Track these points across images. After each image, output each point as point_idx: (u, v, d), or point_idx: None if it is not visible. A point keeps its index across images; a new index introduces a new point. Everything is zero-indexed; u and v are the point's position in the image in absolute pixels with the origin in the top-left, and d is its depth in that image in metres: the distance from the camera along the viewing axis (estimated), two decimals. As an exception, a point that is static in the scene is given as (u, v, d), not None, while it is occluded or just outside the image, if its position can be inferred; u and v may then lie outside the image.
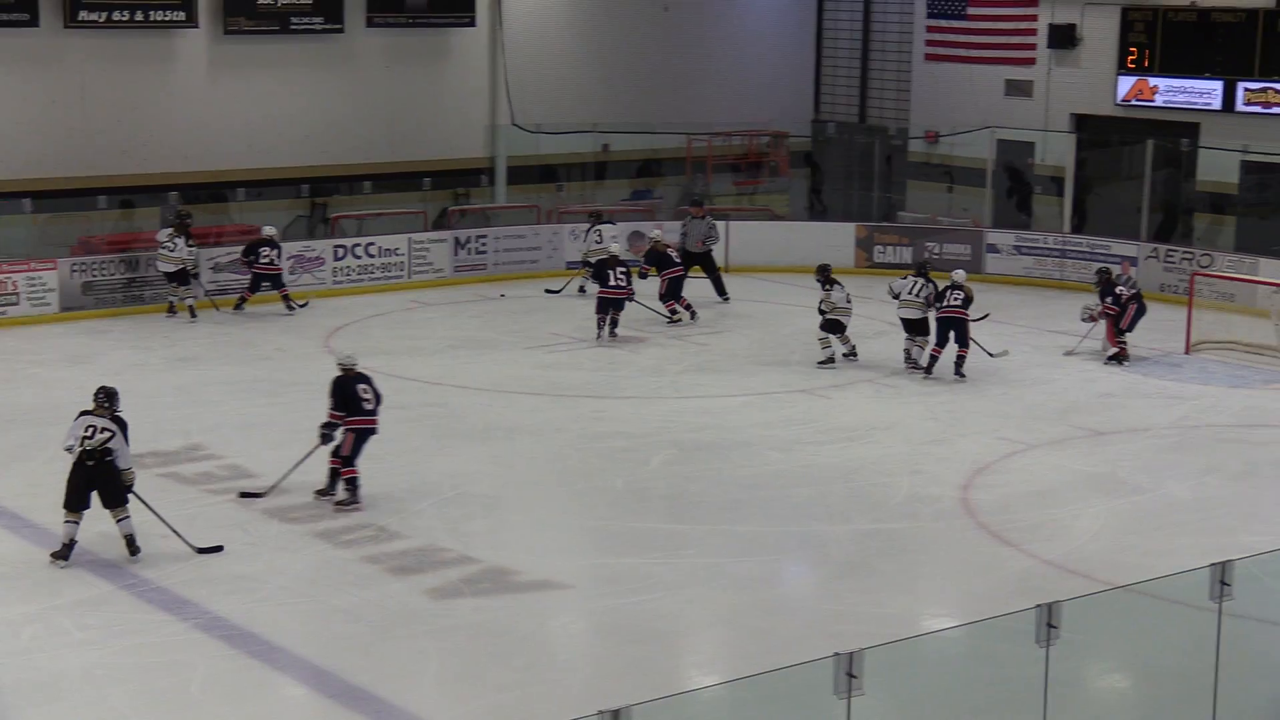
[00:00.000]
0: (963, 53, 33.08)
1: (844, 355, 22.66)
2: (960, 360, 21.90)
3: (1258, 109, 28.54)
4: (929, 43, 33.78)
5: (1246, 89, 28.67)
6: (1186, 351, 23.38)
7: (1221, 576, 8.96)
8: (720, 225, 28.83)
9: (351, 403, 16.20)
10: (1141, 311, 22.91)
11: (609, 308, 24.07)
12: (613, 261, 24.32)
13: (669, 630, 13.67)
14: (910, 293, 22.29)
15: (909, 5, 34.31)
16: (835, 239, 30.02)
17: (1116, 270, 23.48)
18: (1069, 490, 17.29)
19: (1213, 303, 24.38)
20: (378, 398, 16.42)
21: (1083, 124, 31.42)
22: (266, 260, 25.22)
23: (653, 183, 33.31)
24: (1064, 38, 31.15)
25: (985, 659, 10.37)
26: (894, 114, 34.92)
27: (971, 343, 21.91)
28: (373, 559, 14.89)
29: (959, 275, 22.45)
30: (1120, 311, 22.78)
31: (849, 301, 22.56)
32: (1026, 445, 18.83)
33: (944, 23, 33.43)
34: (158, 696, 12.22)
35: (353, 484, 16.28)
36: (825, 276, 22.67)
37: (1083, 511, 16.56)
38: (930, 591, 14.86)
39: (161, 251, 24.72)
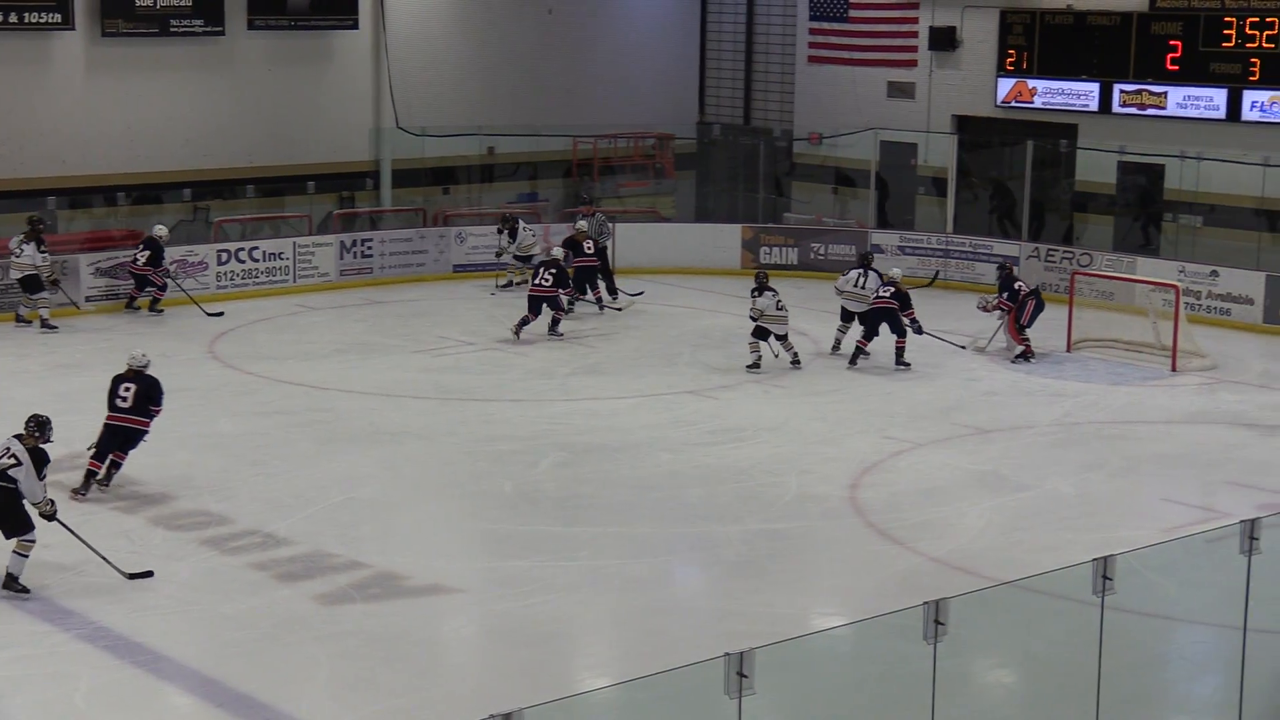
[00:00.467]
0: (845, 55, 33.34)
1: (790, 363, 22.42)
2: (900, 350, 22.49)
3: (1133, 110, 29.01)
4: (812, 45, 34.02)
5: (1122, 90, 29.14)
6: (1068, 350, 23.73)
7: (1104, 571, 9.10)
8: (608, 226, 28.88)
9: (109, 399, 16.74)
10: (1040, 307, 23.26)
11: (540, 305, 24.31)
12: (553, 262, 24.68)
13: (561, 633, 13.67)
14: (854, 285, 22.99)
15: (792, 7, 34.54)
16: (721, 240, 30.18)
17: (1017, 268, 23.87)
18: (955, 488, 17.48)
19: (1093, 301, 24.77)
20: (149, 400, 16.60)
21: (964, 125, 31.79)
22: (140, 260, 25.01)
23: (539, 185, 33.28)
24: (944, 40, 31.50)
25: (874, 656, 10.45)
26: (778, 116, 35.14)
27: (924, 334, 22.76)
28: (260, 566, 14.76)
29: (895, 273, 23.16)
30: (1019, 307, 23.12)
31: (780, 308, 22.30)
32: (913, 444, 19.02)
33: (826, 25, 33.69)
34: (43, 709, 12.03)
35: (89, 475, 16.45)
36: (758, 282, 22.52)
37: (968, 509, 16.75)
38: (820, 590, 14.95)
39: (12, 258, 24.26)
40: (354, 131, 31.06)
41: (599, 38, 34.54)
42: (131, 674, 12.53)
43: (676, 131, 34.55)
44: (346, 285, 27.95)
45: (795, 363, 22.42)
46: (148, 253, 25.12)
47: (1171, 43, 28.41)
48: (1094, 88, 29.54)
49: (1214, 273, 26.37)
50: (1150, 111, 28.79)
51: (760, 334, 22.38)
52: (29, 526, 14.10)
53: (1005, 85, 30.80)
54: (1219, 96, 27.87)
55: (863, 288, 22.81)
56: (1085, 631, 9.50)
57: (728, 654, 7.98)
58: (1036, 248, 28.30)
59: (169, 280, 25.36)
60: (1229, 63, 27.72)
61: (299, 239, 28.12)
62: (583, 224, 26.75)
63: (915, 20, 32.15)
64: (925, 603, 8.59)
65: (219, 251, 26.91)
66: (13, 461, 14.04)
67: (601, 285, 26.79)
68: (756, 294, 22.36)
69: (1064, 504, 17.04)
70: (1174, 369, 22.83)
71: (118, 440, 16.66)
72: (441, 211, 31.00)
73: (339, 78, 31.04)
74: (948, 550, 15.44)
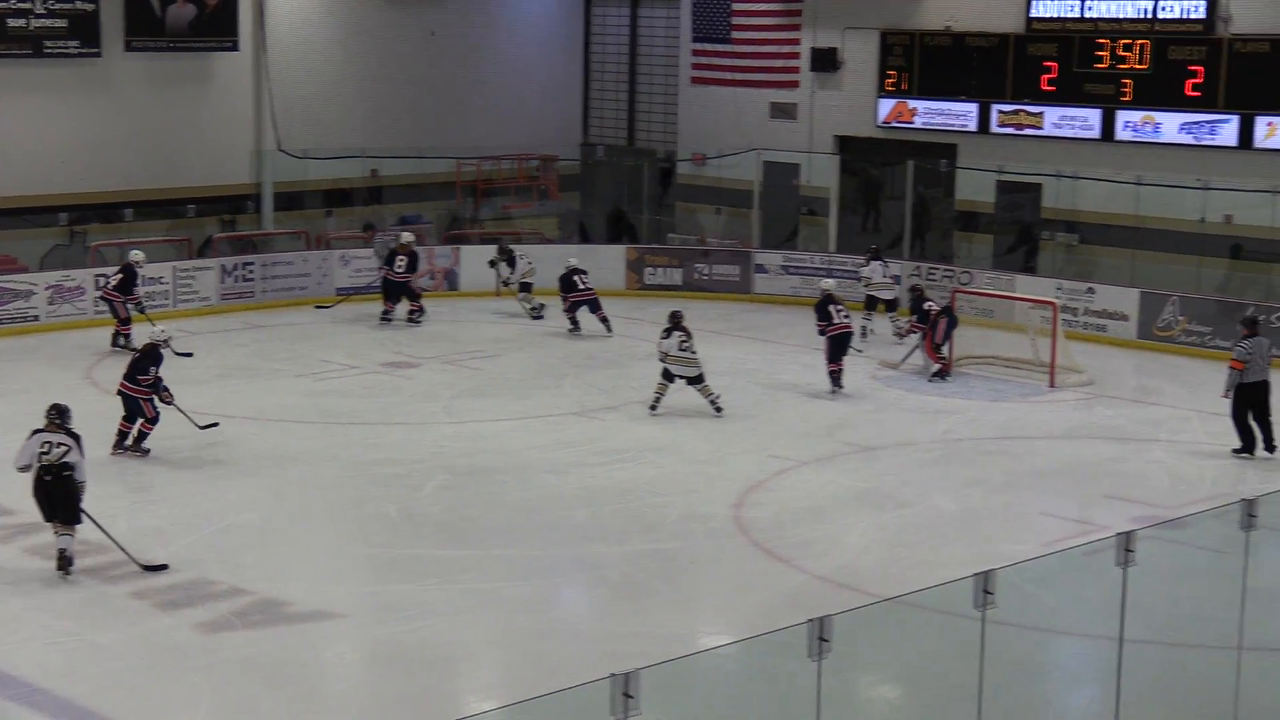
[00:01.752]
0: (728, 76, 33.53)
1: (714, 409, 21.26)
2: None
3: (1011, 130, 29.42)
4: (695, 66, 34.19)
5: (1000, 111, 29.54)
6: (949, 367, 23.97)
7: (984, 585, 9.18)
8: (490, 250, 28.89)
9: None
10: (953, 324, 23.51)
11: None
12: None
13: (446, 656, 13.60)
14: (881, 276, 24.72)
15: (674, 29, 34.69)
16: (606, 261, 30.21)
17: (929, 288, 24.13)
18: (839, 506, 17.61)
19: (973, 319, 25.06)
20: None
21: (846, 145, 32.07)
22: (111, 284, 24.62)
23: (422, 207, 33.15)
24: (826, 61, 31.77)
25: (760, 674, 10.50)
26: (662, 137, 35.26)
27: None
28: (140, 594, 14.55)
29: (828, 283, 23.66)
30: (931, 327, 23.35)
31: (684, 349, 21.07)
32: (797, 462, 19.14)
33: (709, 46, 33.86)
34: (-86, 744, 11.80)
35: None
36: (670, 321, 21.42)
37: (852, 526, 16.88)
38: (705, 609, 15.00)
39: None
40: (235, 154, 30.80)
41: (482, 60, 34.49)
42: (6, 707, 12.30)
43: (560, 153, 34.59)
44: (228, 309, 27.68)
45: (716, 409, 21.10)
46: (120, 276, 24.62)
47: (1047, 64, 28.86)
48: (973, 108, 29.93)
49: (1090, 289, 26.80)
50: (1027, 131, 29.21)
51: (668, 376, 21.30)
52: (79, 519, 14.86)
53: (886, 106, 31.13)
54: (1093, 116, 28.34)
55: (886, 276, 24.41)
56: (967, 645, 9.59)
57: (613, 675, 7.98)
58: (918, 266, 28.60)
59: (137, 310, 24.71)
60: (1102, 83, 28.21)
61: (179, 263, 27.80)
62: (572, 261, 26.90)
63: (797, 41, 32.40)
64: (809, 620, 8.64)
65: (96, 276, 26.49)
66: (65, 449, 14.74)
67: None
68: (664, 334, 21.36)
69: (945, 520, 17.21)
70: (1052, 385, 23.15)
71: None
72: (325, 234, 30.79)
73: (219, 99, 30.76)
74: (832, 567, 15.55)
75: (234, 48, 30.55)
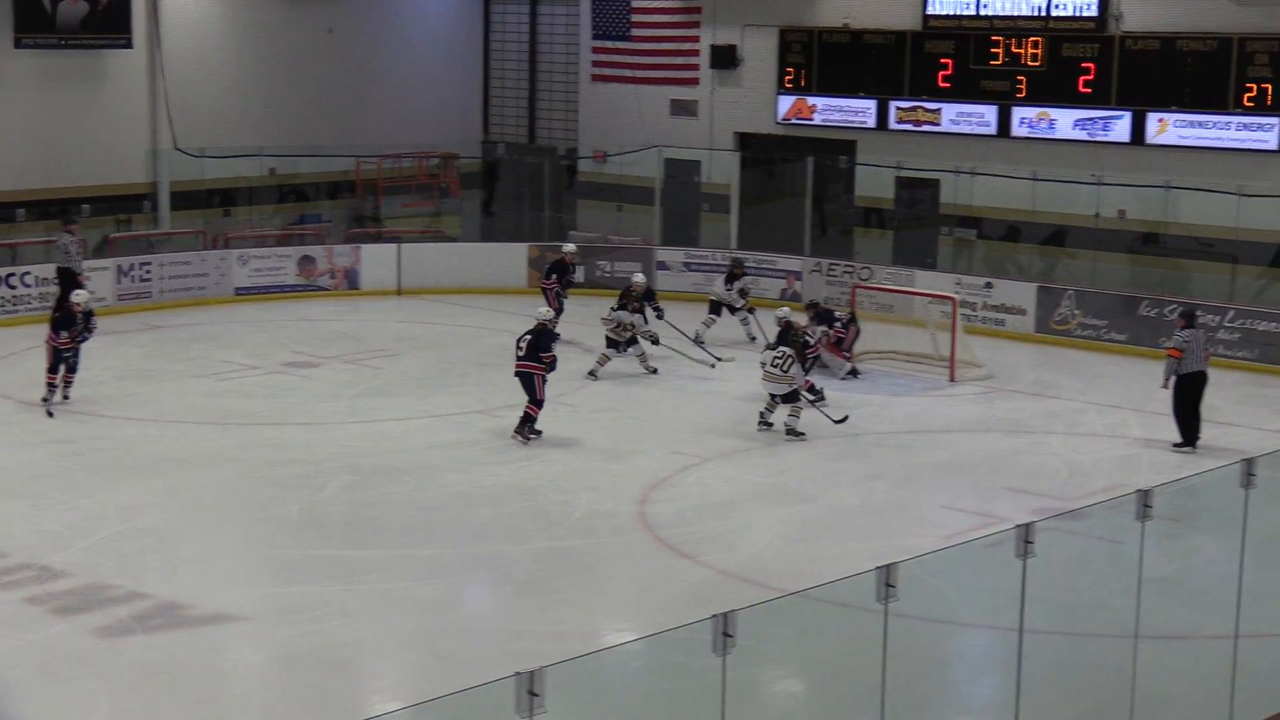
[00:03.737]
0: (628, 73, 33.57)
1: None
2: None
3: (909, 126, 29.66)
4: (595, 63, 34.20)
5: (898, 107, 29.78)
6: (850, 362, 24.12)
7: (887, 579, 9.23)
8: (391, 248, 28.75)
9: None
10: (858, 331, 23.68)
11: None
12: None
13: (350, 658, 13.51)
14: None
15: (574, 26, 34.68)
16: (507, 259, 30.17)
17: (824, 295, 24.02)
18: (742, 501, 17.67)
19: (873, 314, 25.26)
20: None
21: (746, 142, 32.20)
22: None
23: (322, 206, 32.94)
24: (725, 58, 31.88)
25: (665, 670, 10.51)
26: (563, 134, 35.25)
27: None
28: (35, 600, 14.34)
29: (783, 312, 22.54)
30: (844, 334, 23.51)
31: (775, 364, 20.31)
32: (700, 459, 19.19)
33: (609, 43, 33.88)
34: None
35: None
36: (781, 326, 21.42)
37: (756, 521, 16.94)
38: (610, 606, 15.00)
39: None
40: (130, 153, 30.42)
41: (381, 57, 34.31)
42: (-99, 716, 12.10)
43: (461, 150, 34.46)
44: (124, 310, 27.34)
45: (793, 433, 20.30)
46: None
47: (943, 61, 29.12)
48: (871, 105, 30.14)
49: (988, 284, 27.08)
50: (925, 128, 29.46)
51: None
52: None
53: (785, 103, 31.27)
54: (990, 113, 28.63)
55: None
56: (870, 638, 9.64)
57: (518, 673, 7.95)
58: (819, 262, 28.76)
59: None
60: (998, 80, 28.51)
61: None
62: (639, 278, 26.13)
63: (696, 39, 32.50)
64: (714, 615, 8.64)
65: (-10, 277, 26.12)
66: None
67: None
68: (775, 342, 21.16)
69: (848, 514, 17.32)
70: (952, 379, 23.37)
71: None
72: (223, 234, 30.50)
73: (113, 98, 30.37)
74: (736, 562, 15.60)
75: (128, 45, 30.16)
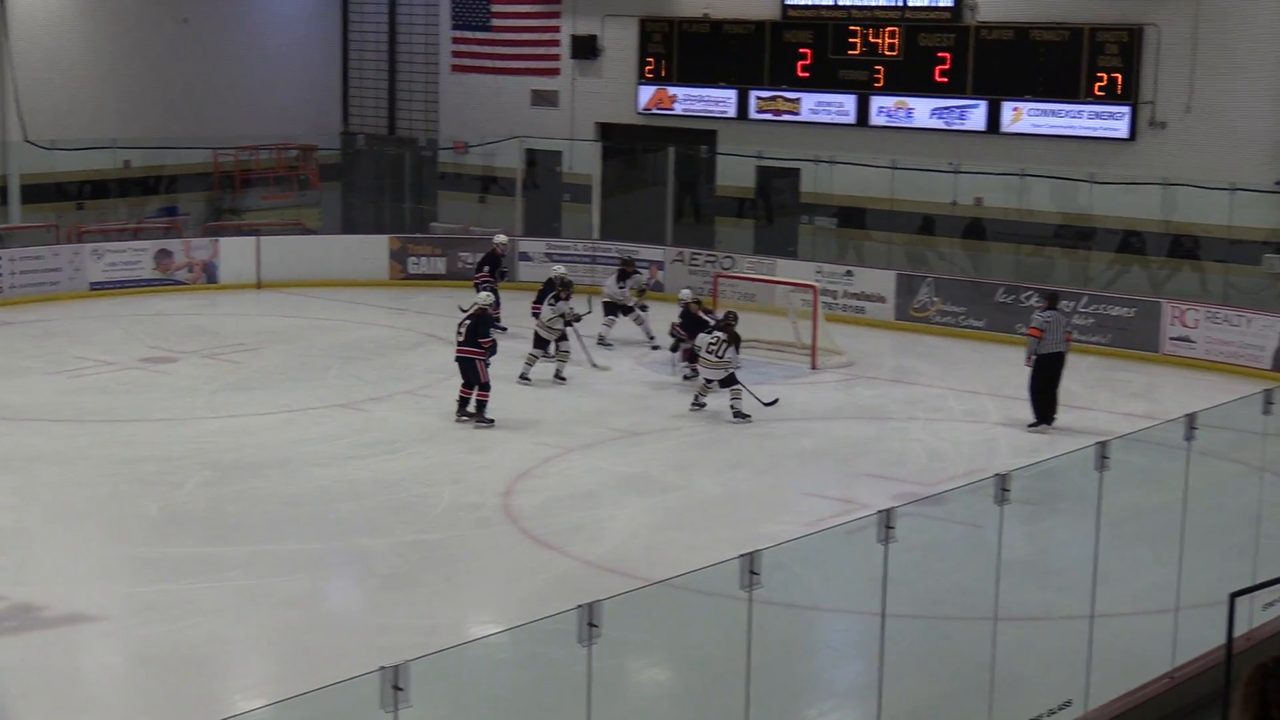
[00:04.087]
0: (488, 64, 33.46)
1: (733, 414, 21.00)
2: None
3: (769, 116, 29.86)
4: (455, 54, 34.05)
5: (758, 97, 29.97)
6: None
7: (751, 566, 9.28)
8: (250, 241, 28.44)
9: None
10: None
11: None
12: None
13: (212, 655, 13.35)
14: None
15: (434, 16, 34.49)
16: (369, 251, 29.96)
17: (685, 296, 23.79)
18: (606, 491, 17.70)
19: (736, 303, 25.36)
20: None
21: (607, 132, 32.23)
22: None
23: (179, 199, 32.46)
24: (586, 48, 31.88)
25: (531, 662, 10.49)
26: (423, 125, 35.05)
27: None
28: (-113, 604, 14.02)
29: (685, 294, 23.26)
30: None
31: (710, 350, 20.82)
32: (564, 450, 19.19)
33: (468, 34, 33.74)
34: None
35: None
36: (721, 322, 21.48)
37: (619, 511, 16.98)
38: (475, 599, 14.95)
39: None
40: (-22, 146, 29.80)
41: (237, 48, 33.86)
42: None
43: (320, 142, 34.14)
44: (-26, 306, 26.80)
45: (736, 415, 20.70)
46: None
47: (802, 51, 29.34)
48: (731, 94, 30.29)
49: (849, 272, 27.35)
50: (785, 117, 29.67)
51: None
52: None
53: (646, 93, 31.34)
54: (848, 102, 28.90)
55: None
56: (735, 626, 9.69)
57: (383, 668, 7.90)
58: (680, 252, 28.86)
59: None
60: (856, 70, 28.78)
61: (-78, 259, 26.85)
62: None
63: (557, 29, 32.46)
64: (579, 606, 8.65)
65: None
66: None
67: None
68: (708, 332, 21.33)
69: (711, 502, 17.40)
70: (814, 367, 23.58)
71: None
72: (76, 228, 29.95)
73: (-39, 90, 29.72)
74: (600, 553, 15.62)
75: (-25, 36, 29.54)
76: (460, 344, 20.25)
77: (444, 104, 34.44)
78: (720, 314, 23.46)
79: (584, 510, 16.95)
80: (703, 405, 20.93)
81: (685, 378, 22.70)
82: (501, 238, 26.52)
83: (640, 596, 10.78)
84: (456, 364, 20.31)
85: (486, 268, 25.55)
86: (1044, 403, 20.32)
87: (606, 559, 15.41)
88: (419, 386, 22.09)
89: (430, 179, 34.48)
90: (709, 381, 20.84)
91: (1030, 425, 20.27)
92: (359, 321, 26.23)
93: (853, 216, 29.07)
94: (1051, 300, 20.83)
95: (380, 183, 34.71)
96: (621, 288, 25.09)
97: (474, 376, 20.11)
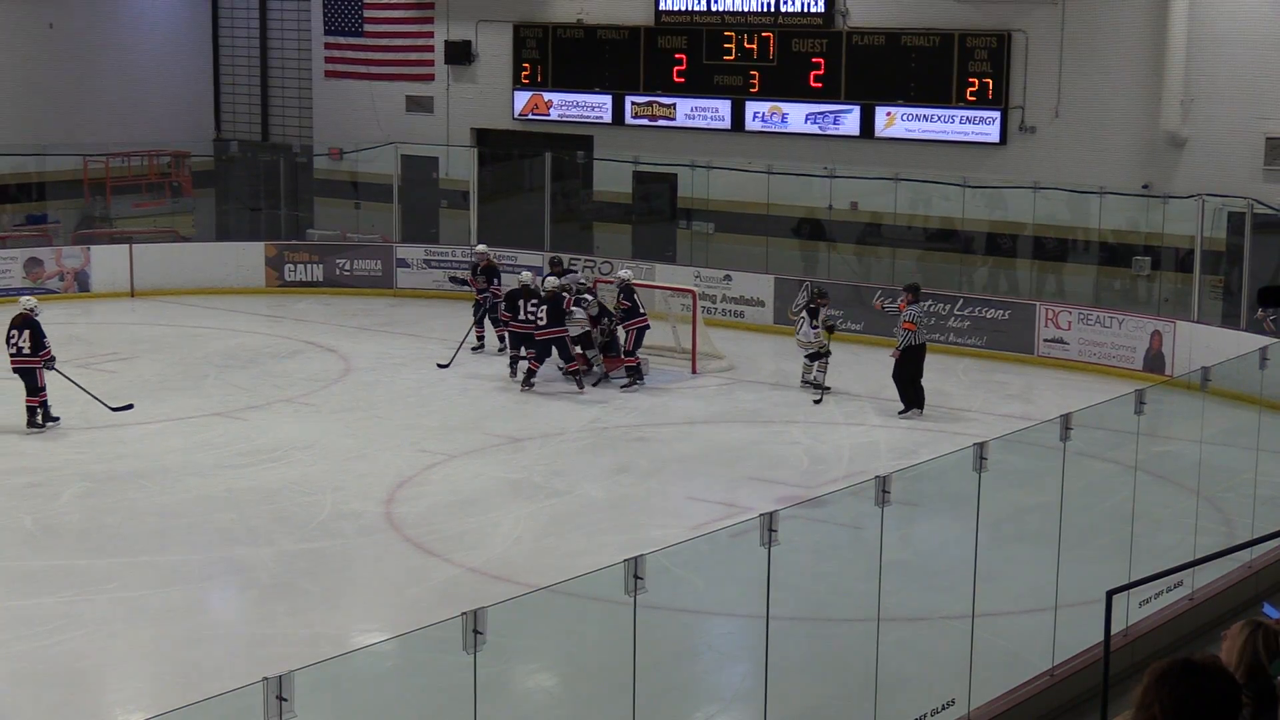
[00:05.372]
0: (362, 69, 33.22)
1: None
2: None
3: (645, 121, 29.91)
4: (328, 59, 33.77)
5: (634, 102, 30.01)
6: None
7: (635, 571, 9.29)
8: (123, 249, 28.02)
9: None
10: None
11: (520, 343, 22.79)
12: (524, 292, 22.91)
13: (90, 669, 13.15)
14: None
15: (306, 22, 34.18)
16: (245, 259, 29.64)
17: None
18: (490, 497, 17.65)
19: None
20: None
21: (484, 138, 32.13)
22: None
23: (49, 206, 31.90)
24: (460, 54, 31.75)
25: (416, 669, 10.45)
26: (297, 131, 34.73)
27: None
28: None
29: (625, 274, 23.73)
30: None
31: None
32: (446, 456, 19.11)
33: (341, 39, 33.48)
34: None
35: None
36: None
37: (503, 518, 16.94)
38: (358, 607, 14.85)
39: None
40: None
41: (106, 53, 33.32)
42: None
43: (193, 149, 33.72)
44: None
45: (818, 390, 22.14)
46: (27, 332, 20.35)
47: (677, 56, 29.43)
48: (607, 100, 30.31)
49: (727, 277, 27.47)
50: (661, 122, 29.74)
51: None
52: None
53: (522, 98, 31.28)
54: (724, 107, 29.03)
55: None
56: (620, 631, 9.71)
57: (265, 679, 7.83)
58: (558, 257, 28.81)
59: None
60: (731, 75, 28.91)
61: None
62: (626, 272, 25.39)
63: (430, 35, 32.30)
64: (463, 613, 8.62)
65: None
66: None
67: None
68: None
69: (595, 507, 17.42)
70: (694, 371, 23.66)
71: None
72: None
73: None
74: (484, 559, 15.58)
75: None
76: (539, 328, 22.09)
77: (318, 110, 34.14)
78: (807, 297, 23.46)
79: (467, 517, 16.89)
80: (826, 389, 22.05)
81: (623, 387, 22.69)
82: (482, 247, 26.04)
83: (525, 602, 10.77)
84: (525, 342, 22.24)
85: (483, 277, 24.97)
86: (914, 392, 21.05)
87: (491, 565, 15.37)
88: (298, 394, 21.89)
89: (306, 185, 34.17)
90: (820, 355, 22.07)
91: (901, 412, 20.99)
92: (236, 329, 25.95)
93: (730, 221, 29.19)
94: (915, 292, 21.41)
95: (255, 189, 34.33)
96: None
97: (565, 352, 22.24)
